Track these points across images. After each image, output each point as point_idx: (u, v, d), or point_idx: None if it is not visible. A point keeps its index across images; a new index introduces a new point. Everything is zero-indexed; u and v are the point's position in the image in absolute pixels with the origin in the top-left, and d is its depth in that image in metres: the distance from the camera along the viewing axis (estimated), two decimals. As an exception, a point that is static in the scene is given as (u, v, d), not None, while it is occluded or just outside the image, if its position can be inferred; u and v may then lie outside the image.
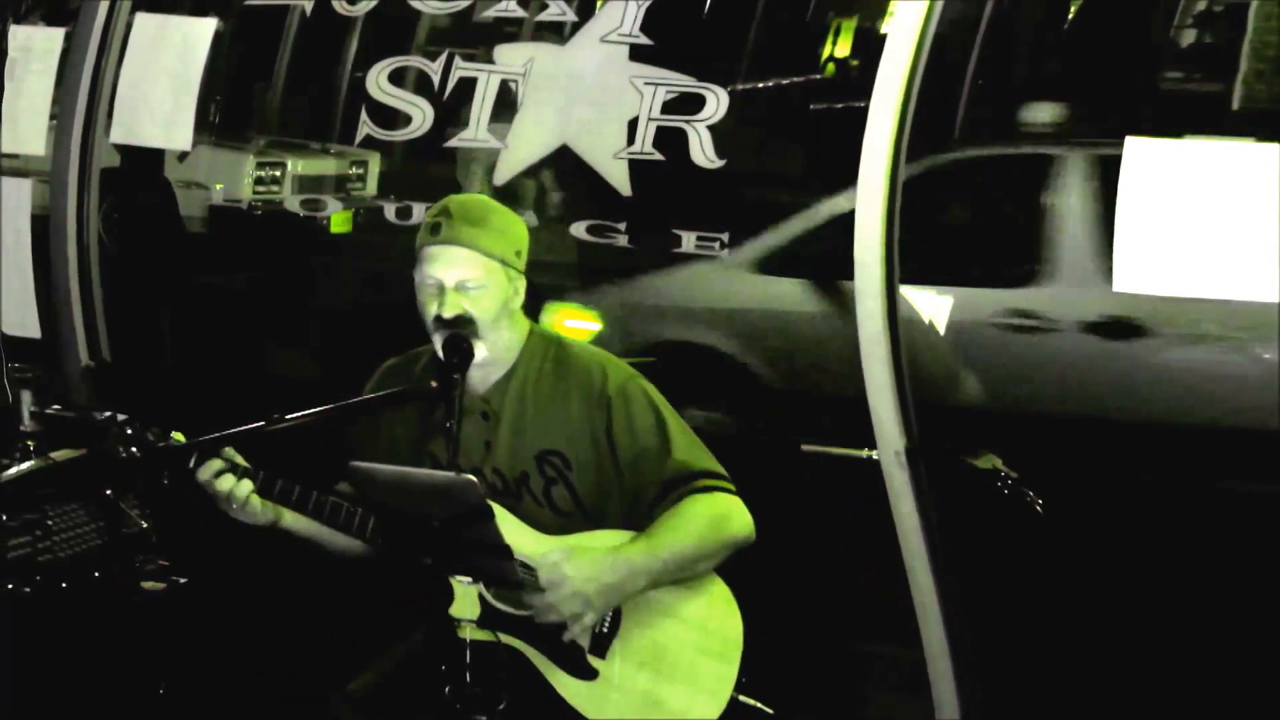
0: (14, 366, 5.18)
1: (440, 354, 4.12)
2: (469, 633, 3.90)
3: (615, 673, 4.07)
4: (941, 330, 6.41)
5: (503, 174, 5.52)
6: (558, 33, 5.45)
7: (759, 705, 4.12)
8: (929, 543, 4.87)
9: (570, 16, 5.34)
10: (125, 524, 4.76)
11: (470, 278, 4.14)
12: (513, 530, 4.02)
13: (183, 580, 4.86)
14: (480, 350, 4.15)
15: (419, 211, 5.73)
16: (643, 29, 5.15)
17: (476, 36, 5.52)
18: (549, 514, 4.21)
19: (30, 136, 5.95)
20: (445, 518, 3.64)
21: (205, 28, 5.70)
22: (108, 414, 4.08)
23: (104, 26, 5.77)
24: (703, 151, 5.15)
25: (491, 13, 5.38)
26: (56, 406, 4.58)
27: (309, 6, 5.49)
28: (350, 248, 6.71)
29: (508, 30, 5.48)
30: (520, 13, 5.39)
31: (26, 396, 4.97)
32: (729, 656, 4.10)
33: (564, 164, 5.50)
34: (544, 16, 5.37)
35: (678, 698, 4.06)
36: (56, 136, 5.90)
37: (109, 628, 4.69)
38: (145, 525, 4.82)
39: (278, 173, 6.35)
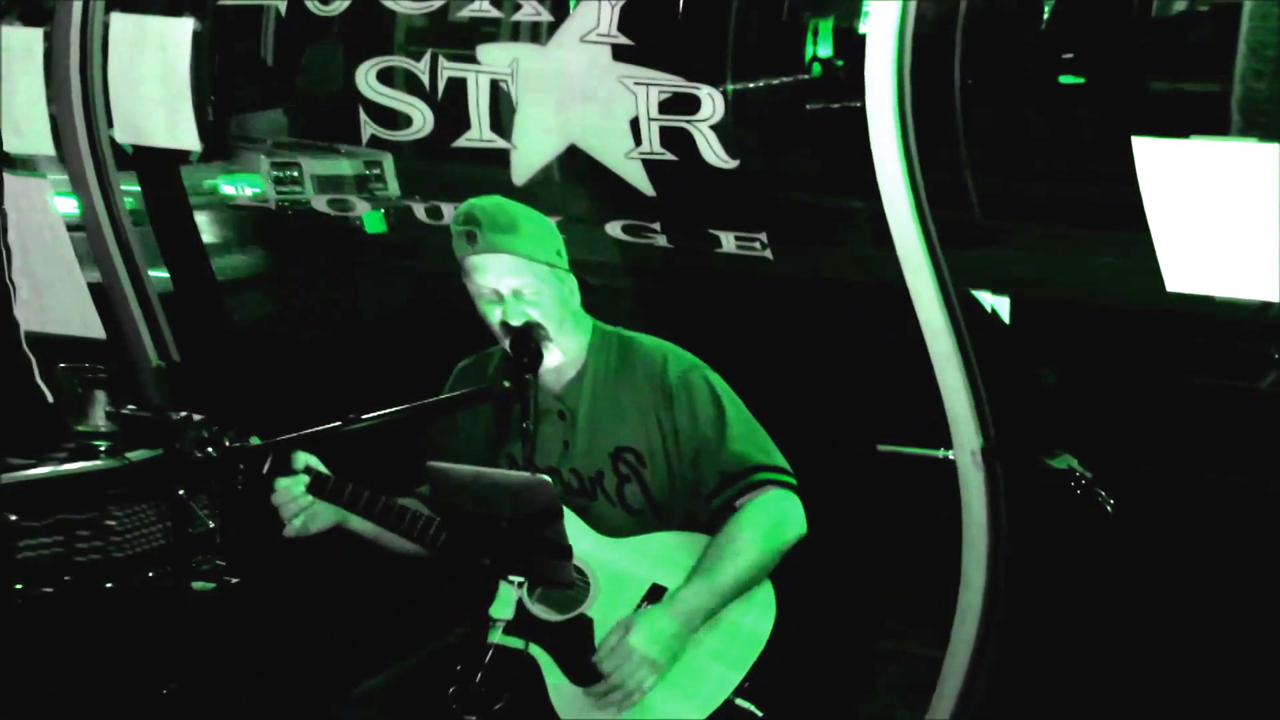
0: (85, 366, 5.19)
1: (510, 354, 4.20)
2: (498, 634, 3.92)
3: (624, 695, 4.05)
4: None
5: (520, 174, 5.47)
6: (534, 33, 5.38)
7: (751, 708, 4.08)
8: (992, 543, 4.86)
9: (545, 16, 5.29)
10: (193, 524, 4.80)
11: (523, 284, 4.23)
12: (574, 531, 4.02)
13: (234, 581, 4.93)
14: (553, 355, 4.26)
15: (449, 212, 5.68)
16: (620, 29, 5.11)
17: (453, 36, 5.46)
18: (621, 513, 4.29)
19: (36, 138, 5.95)
20: (515, 518, 3.69)
21: (183, 28, 5.68)
22: (183, 414, 4.11)
23: (81, 27, 5.78)
24: (712, 151, 5.10)
25: (466, 13, 5.35)
26: (132, 406, 4.54)
27: (283, 7, 5.49)
28: (390, 248, 6.68)
29: (485, 30, 5.43)
30: (495, 13, 5.37)
31: (101, 396, 5.02)
32: (742, 661, 4.09)
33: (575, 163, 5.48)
34: (519, 16, 5.35)
35: (668, 705, 4.04)
36: (61, 137, 5.92)
37: (154, 627, 4.79)
38: (212, 526, 4.89)
39: (295, 172, 6.35)
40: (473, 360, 4.56)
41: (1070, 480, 4.82)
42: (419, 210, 5.71)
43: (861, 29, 4.70)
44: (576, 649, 4.07)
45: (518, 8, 5.30)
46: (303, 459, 4.20)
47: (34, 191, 6.07)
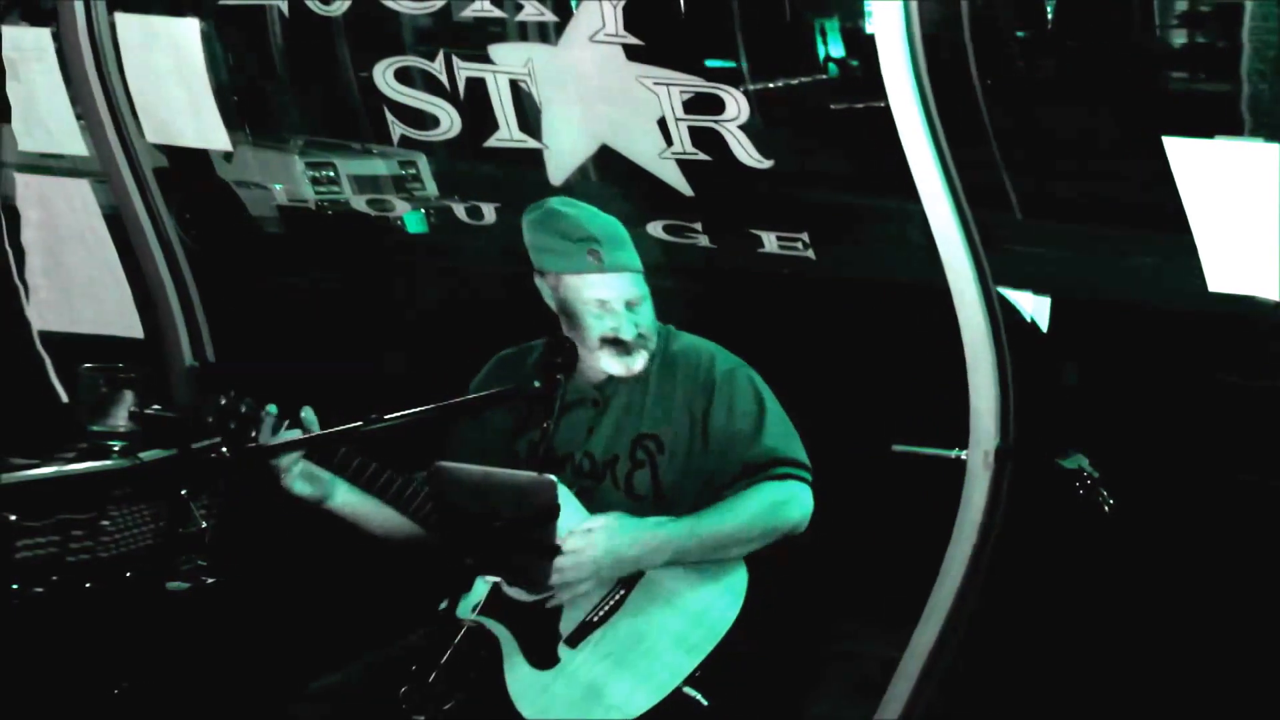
0: (118, 366, 5.20)
1: (546, 357, 4.30)
2: (460, 628, 3.89)
3: (574, 665, 4.09)
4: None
5: (557, 174, 5.48)
6: (542, 33, 5.36)
7: (697, 697, 4.07)
8: (979, 546, 4.89)
9: (550, 16, 5.29)
10: (186, 524, 4.80)
11: (635, 296, 4.38)
12: (569, 515, 4.05)
13: (210, 580, 4.92)
14: (640, 361, 4.37)
15: (489, 211, 5.73)
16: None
17: (461, 36, 5.46)
18: (623, 498, 4.34)
19: (65, 137, 5.96)
20: (510, 519, 3.72)
21: (190, 28, 5.70)
22: (224, 401, 4.19)
23: (89, 27, 5.78)
24: (745, 152, 5.10)
25: (469, 13, 5.38)
26: (157, 406, 4.62)
27: (285, 6, 5.51)
28: (429, 248, 6.64)
29: (492, 30, 5.44)
30: (498, 13, 5.37)
31: (128, 396, 5.02)
32: (700, 649, 4.09)
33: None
34: (524, 16, 5.34)
35: (620, 690, 4.04)
36: (93, 138, 5.94)
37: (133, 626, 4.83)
38: (204, 526, 4.90)
39: (331, 172, 6.33)
40: (513, 351, 4.63)
41: (1076, 480, 4.80)
42: (459, 210, 5.74)
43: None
44: (543, 630, 4.10)
45: (519, 8, 5.31)
46: (309, 415, 4.25)
47: (73, 192, 6.09)
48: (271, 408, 4.22)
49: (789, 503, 4.26)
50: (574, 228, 4.37)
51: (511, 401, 4.40)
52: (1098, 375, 5.25)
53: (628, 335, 4.33)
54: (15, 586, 4.71)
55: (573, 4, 5.22)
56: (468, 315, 6.03)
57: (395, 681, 3.82)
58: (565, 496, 4.05)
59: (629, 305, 4.34)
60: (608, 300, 4.33)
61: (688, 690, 4.05)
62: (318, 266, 6.61)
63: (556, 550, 3.85)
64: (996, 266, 4.81)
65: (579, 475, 4.36)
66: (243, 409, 4.18)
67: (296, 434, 4.19)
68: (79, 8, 5.78)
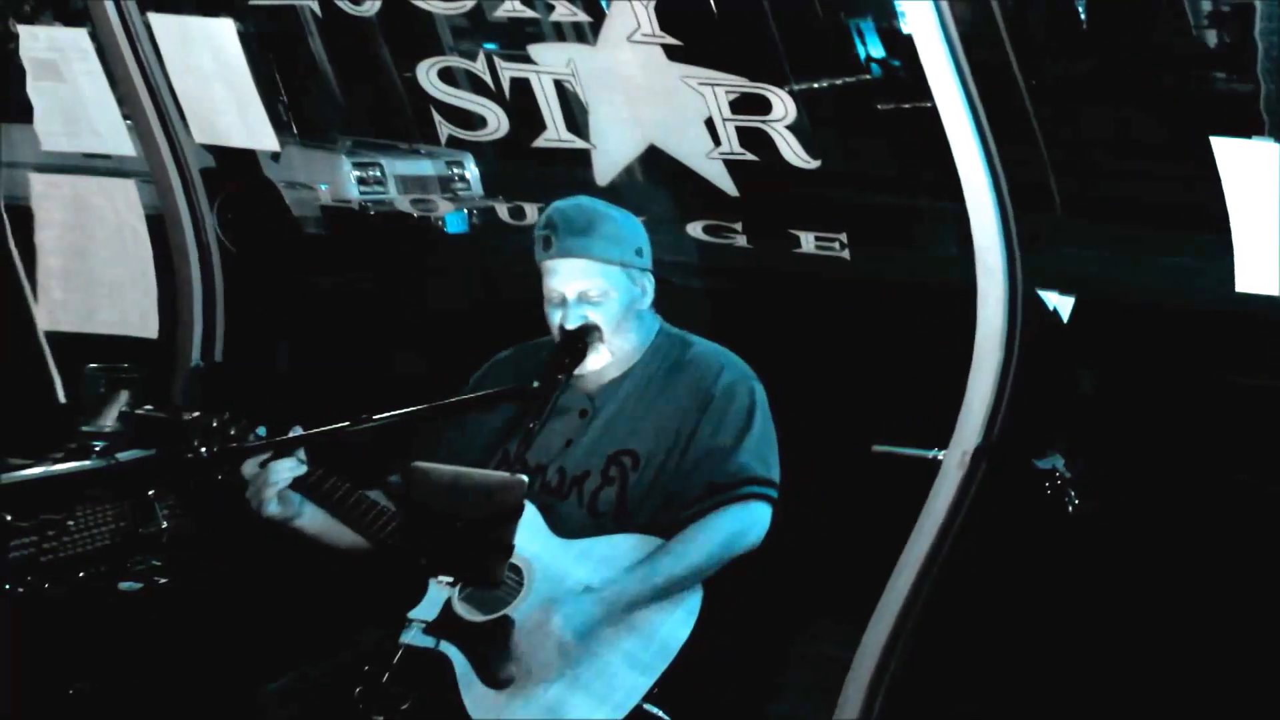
0: (122, 367, 5.20)
1: (554, 355, 4.20)
2: (412, 634, 3.86)
3: (528, 685, 3.98)
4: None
5: (604, 175, 5.47)
6: (579, 33, 5.37)
7: (660, 714, 4.01)
8: (936, 546, 4.86)
9: (583, 16, 5.32)
10: (147, 524, 4.79)
11: (590, 287, 4.23)
12: (528, 529, 3.97)
13: (163, 581, 4.90)
14: (600, 356, 4.25)
15: (531, 212, 5.76)
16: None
17: (498, 36, 5.48)
18: (583, 515, 4.22)
19: (115, 139, 5.98)
20: (470, 519, 3.64)
21: (226, 28, 5.69)
22: (195, 414, 4.10)
23: (123, 27, 5.78)
24: (793, 152, 5.10)
25: (502, 13, 5.35)
26: (149, 407, 4.48)
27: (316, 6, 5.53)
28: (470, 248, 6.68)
29: (528, 30, 5.42)
30: (530, 13, 5.36)
31: (123, 396, 5.01)
32: (654, 667, 4.01)
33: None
34: (556, 17, 5.36)
35: (580, 708, 3.96)
36: (140, 139, 5.93)
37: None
38: (165, 525, 4.85)
39: (378, 172, 6.37)
40: (510, 353, 4.54)
41: (1047, 480, 4.83)
42: (501, 210, 5.77)
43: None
44: (493, 651, 4.00)
45: (550, 8, 5.32)
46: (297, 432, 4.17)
47: (115, 192, 6.10)
48: (261, 430, 4.16)
49: (747, 530, 4.15)
50: (545, 216, 4.30)
51: (508, 401, 4.31)
52: (1125, 376, 5.25)
53: (571, 325, 4.21)
54: (8, 587, 4.70)
55: (603, 4, 5.23)
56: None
57: (353, 682, 3.80)
58: (530, 514, 4.00)
59: (581, 296, 4.23)
60: (563, 290, 4.23)
61: (649, 708, 3.99)
62: (357, 267, 6.64)
63: (509, 551, 3.74)
64: (1033, 266, 4.78)
65: (545, 491, 4.24)
66: (232, 431, 4.10)
67: (293, 464, 4.10)
68: (110, 8, 5.78)
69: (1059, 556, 4.95)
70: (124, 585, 4.83)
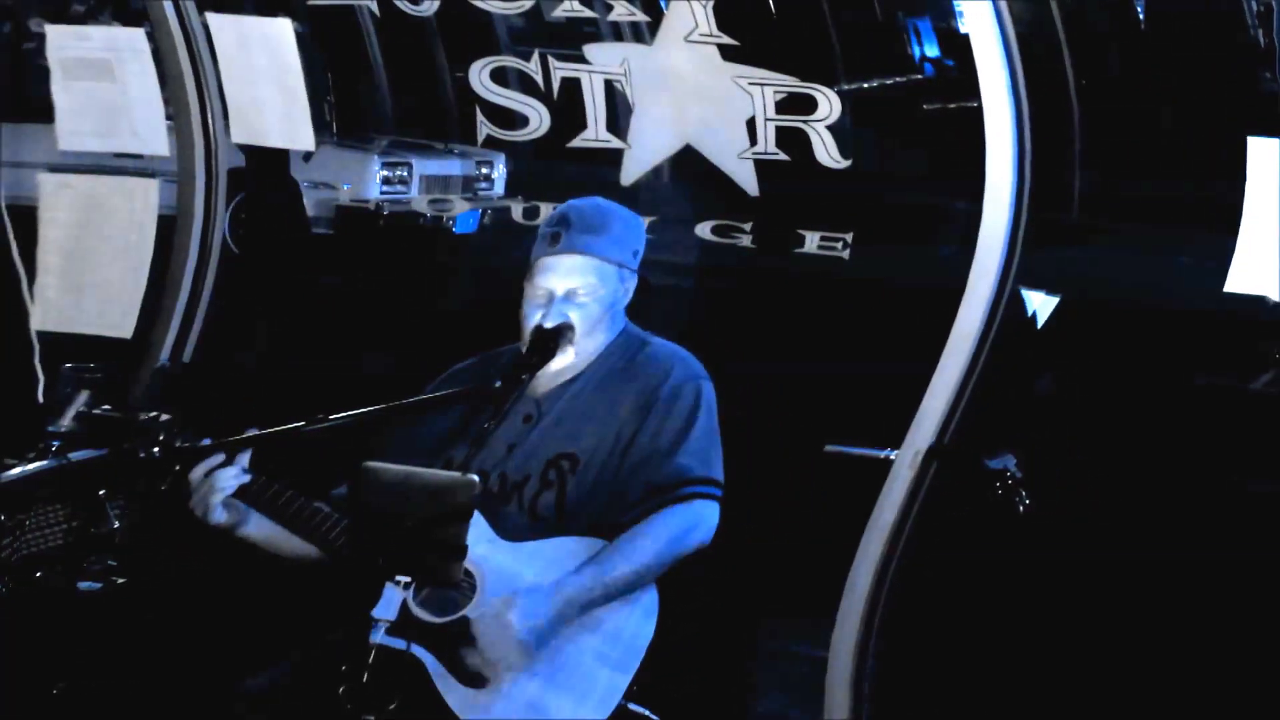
0: (89, 366, 5.19)
1: (523, 355, 4.16)
2: (381, 635, 3.78)
3: (504, 684, 3.98)
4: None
5: (630, 174, 5.50)
6: (636, 33, 5.42)
7: (646, 713, 4.03)
8: (890, 546, 4.83)
9: (641, 16, 5.36)
10: (98, 524, 4.79)
11: (582, 284, 4.23)
12: (476, 533, 3.92)
13: (120, 581, 4.90)
14: (566, 356, 4.21)
15: (547, 211, 5.64)
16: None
17: (555, 36, 5.52)
18: (524, 520, 4.20)
19: (153, 140, 5.98)
20: (421, 518, 3.62)
21: (284, 28, 5.70)
22: (151, 415, 4.11)
23: (181, 27, 5.79)
24: (826, 152, 5.13)
25: (560, 12, 5.38)
26: (106, 407, 4.46)
27: (375, 6, 5.52)
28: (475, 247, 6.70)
29: (586, 30, 5.49)
30: (588, 12, 5.40)
31: (83, 396, 4.98)
32: (627, 665, 4.01)
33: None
34: (615, 16, 5.40)
35: (564, 706, 3.97)
36: (179, 138, 5.91)
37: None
38: (116, 526, 4.85)
39: (404, 172, 6.37)
40: (473, 362, 4.49)
41: (998, 480, 4.82)
42: (516, 210, 5.80)
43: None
44: (459, 651, 4.00)
45: (609, 8, 5.34)
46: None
47: (136, 192, 6.09)
48: (205, 441, 4.11)
49: (692, 529, 4.12)
50: (558, 214, 4.29)
51: (467, 401, 4.29)
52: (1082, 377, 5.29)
53: (550, 323, 4.19)
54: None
55: (662, 4, 5.28)
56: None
57: (324, 681, 3.79)
58: (475, 518, 3.90)
59: (570, 293, 4.23)
60: (553, 288, 4.22)
61: (634, 707, 4.00)
62: (357, 267, 6.65)
63: (463, 551, 3.70)
64: (1041, 267, 4.86)
65: (488, 496, 4.20)
66: (178, 444, 4.07)
67: (236, 472, 4.10)
68: (169, 8, 5.78)
69: (1015, 556, 4.99)
70: (83, 585, 4.84)
